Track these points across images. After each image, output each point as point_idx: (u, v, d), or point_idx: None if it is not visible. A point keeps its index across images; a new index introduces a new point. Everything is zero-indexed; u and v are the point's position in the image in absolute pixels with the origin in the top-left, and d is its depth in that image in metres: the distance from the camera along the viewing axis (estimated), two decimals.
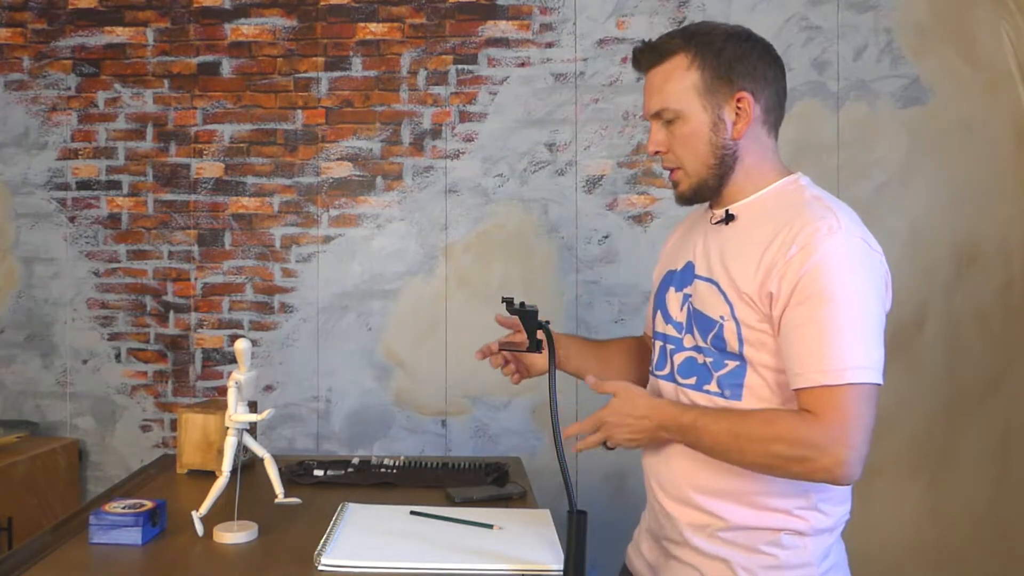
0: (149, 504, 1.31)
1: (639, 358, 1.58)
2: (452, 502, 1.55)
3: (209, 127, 2.85)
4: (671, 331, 1.35)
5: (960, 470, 2.77)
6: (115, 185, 2.86)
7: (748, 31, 1.33)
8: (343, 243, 2.84)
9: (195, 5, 2.84)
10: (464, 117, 2.81)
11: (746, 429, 1.17)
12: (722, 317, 1.24)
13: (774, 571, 1.25)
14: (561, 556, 1.16)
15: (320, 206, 2.84)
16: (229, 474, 1.30)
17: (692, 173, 1.29)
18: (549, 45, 2.81)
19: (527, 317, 1.25)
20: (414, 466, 1.80)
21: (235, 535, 1.29)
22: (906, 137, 2.78)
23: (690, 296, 1.31)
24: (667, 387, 1.35)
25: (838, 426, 1.11)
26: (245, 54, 2.84)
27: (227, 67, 2.84)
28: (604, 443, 1.27)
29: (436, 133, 2.82)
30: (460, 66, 2.81)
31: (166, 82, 2.86)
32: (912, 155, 2.78)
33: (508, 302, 1.26)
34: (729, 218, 1.28)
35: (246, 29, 2.84)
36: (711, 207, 1.36)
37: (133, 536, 1.26)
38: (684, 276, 1.34)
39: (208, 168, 2.85)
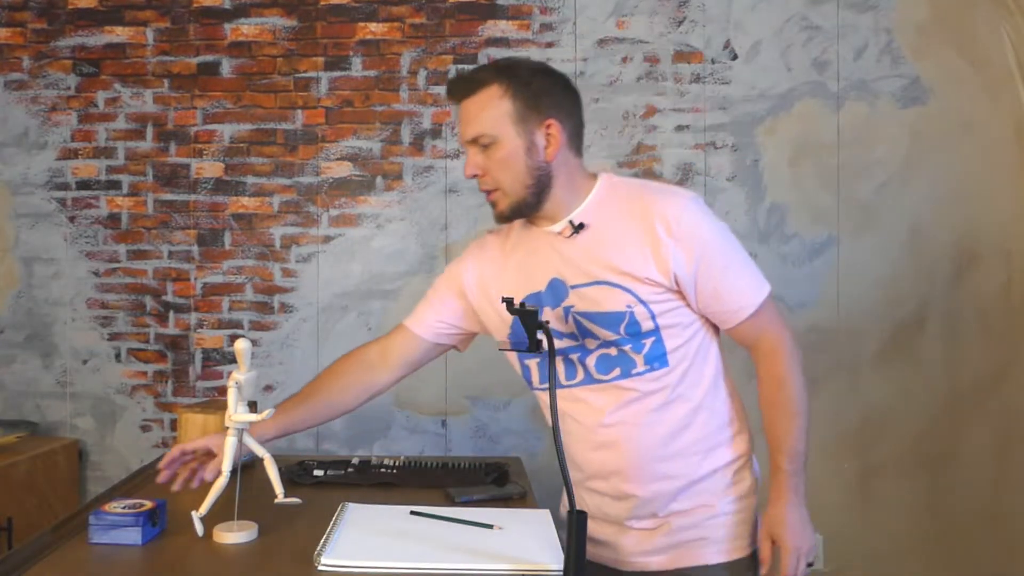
0: (149, 504, 1.30)
1: (346, 376, 1.61)
2: (452, 502, 1.55)
3: (209, 127, 2.85)
4: (568, 343, 1.41)
5: (960, 469, 2.77)
6: (115, 185, 2.86)
7: (549, 66, 1.45)
8: (343, 243, 2.84)
9: (195, 5, 2.84)
10: None
11: (793, 401, 1.39)
12: (628, 306, 1.35)
13: (746, 500, 1.45)
14: (561, 556, 1.16)
15: (320, 206, 2.84)
16: (229, 474, 1.30)
17: (510, 193, 1.38)
18: (549, 45, 2.81)
19: (527, 317, 1.24)
20: (414, 466, 1.80)
21: (235, 535, 1.29)
22: (906, 137, 2.78)
23: (571, 307, 1.39)
24: (583, 391, 1.41)
25: (781, 325, 1.42)
26: (245, 54, 2.84)
27: (227, 67, 2.84)
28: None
29: (436, 133, 2.82)
30: (460, 66, 2.81)
31: (166, 82, 2.86)
32: (912, 155, 2.78)
33: (508, 302, 1.26)
34: (580, 228, 1.39)
35: (246, 29, 2.84)
36: (530, 223, 1.45)
37: (133, 536, 1.25)
38: (555, 293, 1.41)
39: (208, 168, 2.85)
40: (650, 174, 2.79)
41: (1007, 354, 2.78)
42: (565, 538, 1.11)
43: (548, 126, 1.37)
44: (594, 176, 1.44)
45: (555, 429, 1.15)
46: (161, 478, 1.44)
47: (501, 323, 1.48)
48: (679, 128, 2.81)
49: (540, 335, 1.24)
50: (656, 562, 1.44)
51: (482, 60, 2.81)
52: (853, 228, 2.79)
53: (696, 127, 2.81)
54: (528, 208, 1.39)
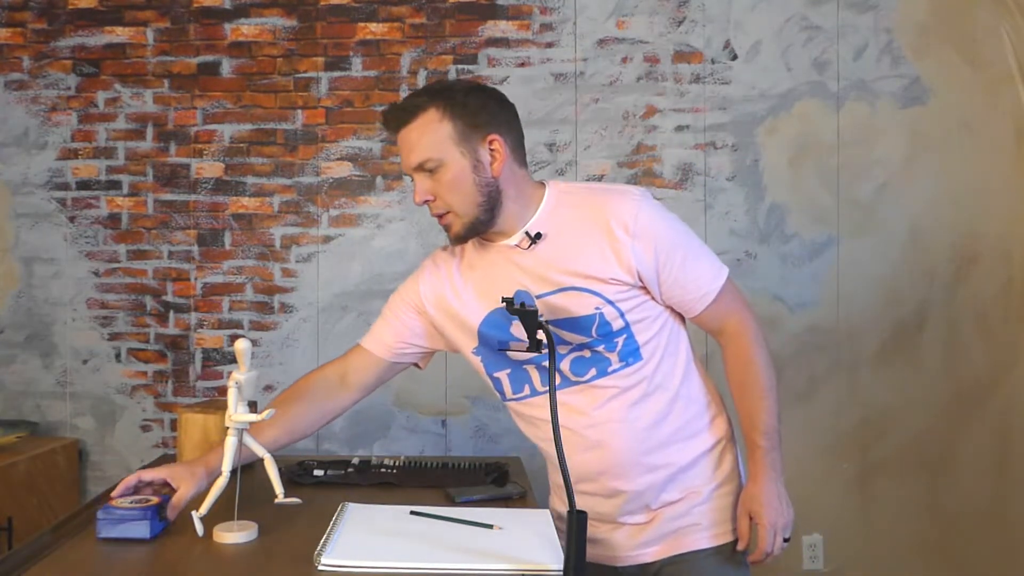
0: (155, 499, 1.31)
1: (316, 393, 1.60)
2: (452, 502, 1.55)
3: (209, 127, 2.85)
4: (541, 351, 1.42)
5: (960, 469, 2.77)
6: (115, 185, 2.86)
7: (481, 84, 1.47)
8: (343, 243, 2.84)
9: (195, 5, 2.84)
10: None
11: (762, 379, 1.44)
12: (597, 308, 1.38)
13: (731, 483, 1.49)
14: (561, 556, 1.16)
15: (320, 206, 2.84)
16: (229, 474, 1.30)
17: (463, 213, 1.39)
18: (549, 45, 2.81)
19: (527, 317, 1.24)
20: (414, 466, 1.80)
21: (235, 535, 1.29)
22: (906, 137, 2.78)
23: (540, 316, 1.39)
24: (562, 394, 1.43)
25: (743, 305, 1.48)
26: (245, 54, 2.84)
27: (227, 67, 2.85)
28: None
29: None
30: (460, 66, 2.81)
31: (166, 82, 2.86)
32: (912, 155, 2.78)
33: (508, 302, 1.26)
34: (537, 237, 1.40)
35: (246, 29, 2.84)
36: (485, 240, 1.46)
37: (141, 529, 1.26)
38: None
39: (208, 168, 2.85)
40: (650, 174, 2.79)
41: (1007, 354, 2.78)
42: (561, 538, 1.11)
43: (491, 141, 1.38)
44: (542, 185, 1.45)
45: (555, 429, 1.15)
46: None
47: (468, 338, 1.48)
48: (679, 128, 2.81)
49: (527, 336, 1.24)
50: (650, 553, 1.47)
51: (482, 60, 2.81)
52: (853, 228, 2.79)
53: (696, 127, 2.81)
54: (482, 226, 1.40)
